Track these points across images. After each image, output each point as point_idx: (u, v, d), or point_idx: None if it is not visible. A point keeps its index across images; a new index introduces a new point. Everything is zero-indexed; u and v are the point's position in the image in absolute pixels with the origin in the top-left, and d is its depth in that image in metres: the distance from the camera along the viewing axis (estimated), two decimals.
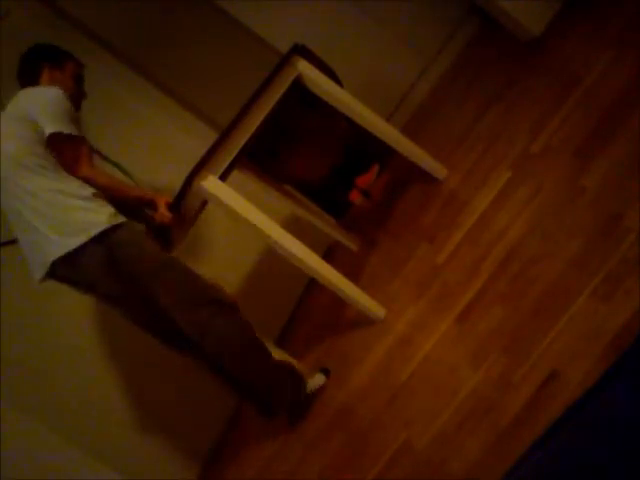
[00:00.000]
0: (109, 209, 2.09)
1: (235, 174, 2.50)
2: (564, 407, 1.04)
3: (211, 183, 2.10)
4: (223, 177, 2.15)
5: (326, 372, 2.26)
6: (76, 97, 2.33)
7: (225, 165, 2.14)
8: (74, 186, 2.09)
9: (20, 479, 2.70)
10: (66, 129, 2.14)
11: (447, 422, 1.47)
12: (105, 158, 2.62)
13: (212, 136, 2.35)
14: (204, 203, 2.36)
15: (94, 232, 2.02)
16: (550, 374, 1.26)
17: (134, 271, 2.05)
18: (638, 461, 0.84)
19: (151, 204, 2.26)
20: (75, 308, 2.97)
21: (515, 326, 1.48)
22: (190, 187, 2.12)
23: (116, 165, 2.67)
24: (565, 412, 1.02)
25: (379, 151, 2.87)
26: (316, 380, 2.24)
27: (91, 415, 2.92)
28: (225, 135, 2.15)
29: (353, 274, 2.42)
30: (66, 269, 2.07)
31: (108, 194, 2.16)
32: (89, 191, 2.10)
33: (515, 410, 1.29)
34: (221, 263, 3.24)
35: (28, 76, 2.31)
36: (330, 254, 3.25)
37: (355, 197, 3.22)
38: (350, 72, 2.89)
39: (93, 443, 2.90)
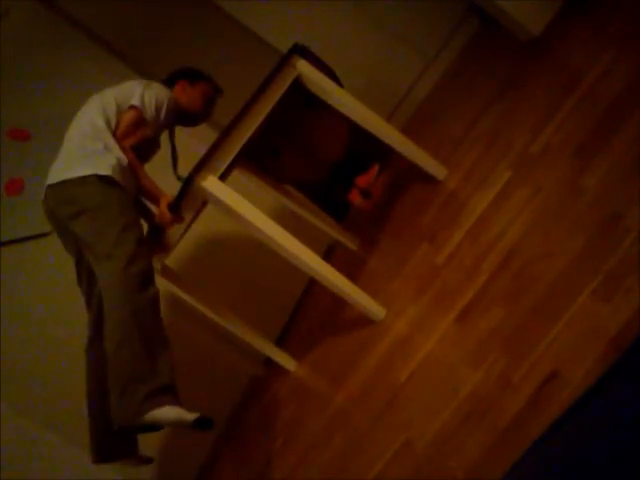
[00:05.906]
0: (107, 161, 2.16)
1: (235, 174, 2.50)
2: (564, 407, 1.04)
3: (211, 183, 2.10)
4: (223, 177, 2.15)
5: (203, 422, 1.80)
6: (197, 114, 2.56)
7: (225, 165, 2.14)
8: (105, 136, 2.21)
9: (20, 479, 2.70)
10: (144, 110, 2.29)
11: (447, 422, 1.47)
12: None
13: (212, 136, 2.35)
14: (204, 203, 2.36)
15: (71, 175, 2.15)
16: (550, 374, 1.26)
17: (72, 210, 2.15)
18: (638, 461, 0.84)
19: (154, 200, 2.30)
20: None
21: (515, 326, 1.48)
22: (190, 187, 2.12)
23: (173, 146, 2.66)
24: (565, 412, 1.02)
25: (379, 151, 2.87)
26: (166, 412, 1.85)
27: None
28: (225, 135, 2.15)
29: (353, 274, 2.42)
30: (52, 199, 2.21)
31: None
32: (105, 143, 2.20)
33: (515, 410, 1.29)
34: (221, 263, 3.24)
35: (166, 84, 2.52)
36: (330, 254, 3.25)
37: (355, 197, 3.22)
38: (350, 72, 2.89)
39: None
